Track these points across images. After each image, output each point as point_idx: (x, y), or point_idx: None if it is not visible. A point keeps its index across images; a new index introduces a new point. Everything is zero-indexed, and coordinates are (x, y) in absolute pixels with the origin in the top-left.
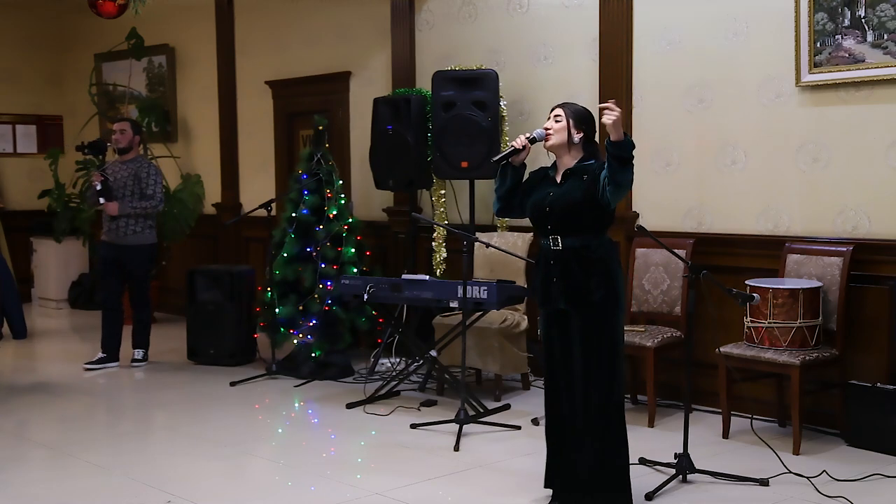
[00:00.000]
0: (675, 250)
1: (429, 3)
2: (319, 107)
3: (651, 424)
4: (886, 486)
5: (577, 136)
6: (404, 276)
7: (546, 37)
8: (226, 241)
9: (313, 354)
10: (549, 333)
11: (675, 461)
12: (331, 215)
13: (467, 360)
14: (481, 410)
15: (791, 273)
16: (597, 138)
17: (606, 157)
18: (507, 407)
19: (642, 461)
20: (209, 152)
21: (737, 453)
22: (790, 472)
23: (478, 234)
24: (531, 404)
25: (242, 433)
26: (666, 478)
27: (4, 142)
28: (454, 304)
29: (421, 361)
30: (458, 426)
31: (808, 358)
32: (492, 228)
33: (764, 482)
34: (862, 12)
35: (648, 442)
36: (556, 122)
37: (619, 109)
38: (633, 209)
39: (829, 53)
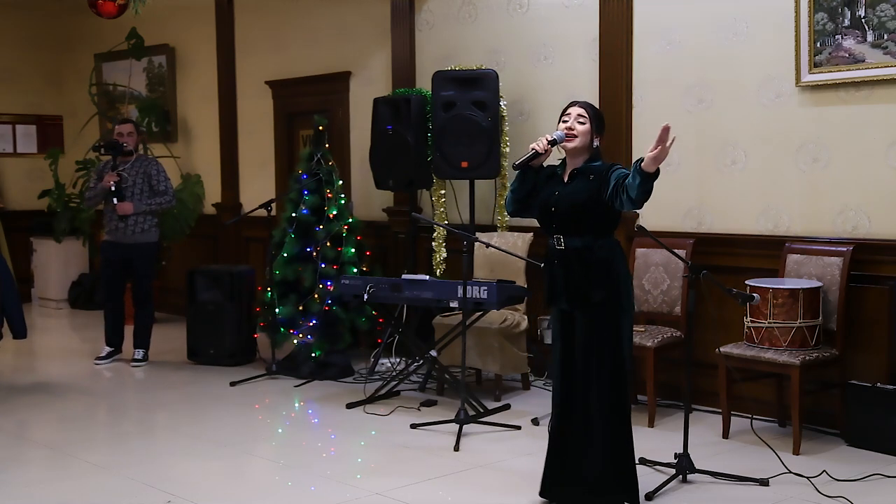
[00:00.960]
0: (675, 250)
1: (429, 3)
2: (319, 107)
3: (651, 424)
4: (886, 486)
5: (596, 140)
6: (404, 276)
7: (546, 37)
8: (226, 241)
9: (313, 354)
10: (556, 333)
11: (675, 461)
12: (331, 215)
13: (467, 360)
14: (481, 410)
15: (791, 273)
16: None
17: (632, 174)
18: (507, 407)
19: (642, 461)
20: (209, 152)
21: (737, 453)
22: (790, 472)
23: (478, 234)
24: (531, 404)
25: (242, 433)
26: (666, 478)
27: (4, 142)
28: (454, 304)
29: (421, 361)
30: (458, 426)
31: (808, 358)
32: (492, 228)
33: (764, 482)
34: (862, 12)
35: (648, 442)
36: (580, 123)
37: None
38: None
39: (829, 53)
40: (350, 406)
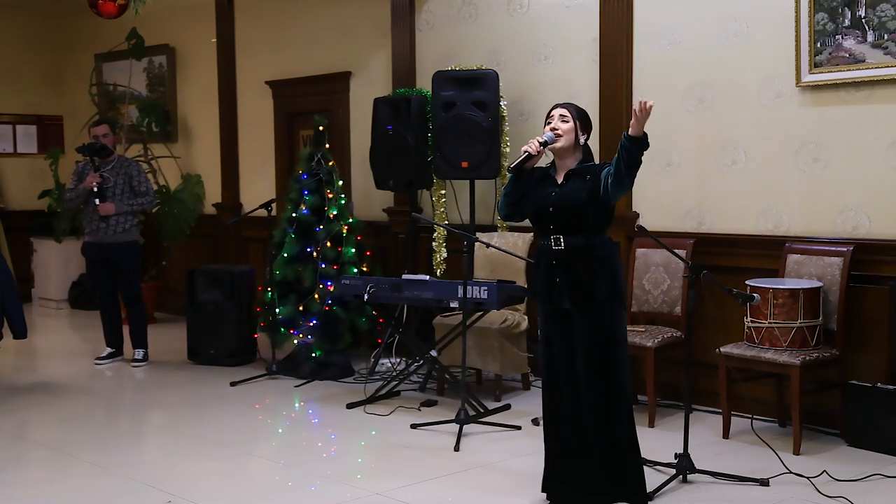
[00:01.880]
0: (676, 250)
1: (429, 3)
2: (319, 107)
3: (651, 424)
4: (886, 486)
5: (583, 137)
6: (404, 277)
7: (546, 37)
8: (226, 241)
9: (313, 354)
10: (548, 333)
11: (676, 461)
12: (331, 215)
13: (467, 360)
14: (481, 410)
15: (791, 273)
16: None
17: (619, 149)
18: (507, 407)
19: (643, 461)
20: (209, 152)
21: (737, 453)
22: (790, 472)
23: (478, 234)
24: (531, 404)
25: (242, 433)
26: (666, 478)
27: (4, 142)
28: (454, 304)
29: (421, 361)
30: (458, 426)
31: (808, 358)
32: (492, 228)
33: (764, 482)
34: (862, 12)
35: (648, 442)
36: (564, 122)
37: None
38: (634, 209)
39: (830, 53)
40: (350, 406)
